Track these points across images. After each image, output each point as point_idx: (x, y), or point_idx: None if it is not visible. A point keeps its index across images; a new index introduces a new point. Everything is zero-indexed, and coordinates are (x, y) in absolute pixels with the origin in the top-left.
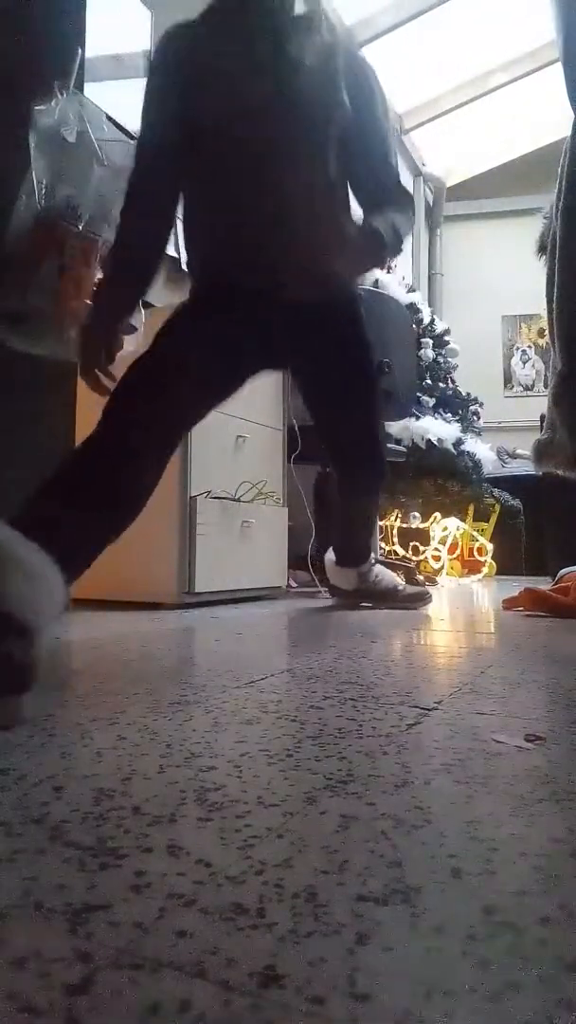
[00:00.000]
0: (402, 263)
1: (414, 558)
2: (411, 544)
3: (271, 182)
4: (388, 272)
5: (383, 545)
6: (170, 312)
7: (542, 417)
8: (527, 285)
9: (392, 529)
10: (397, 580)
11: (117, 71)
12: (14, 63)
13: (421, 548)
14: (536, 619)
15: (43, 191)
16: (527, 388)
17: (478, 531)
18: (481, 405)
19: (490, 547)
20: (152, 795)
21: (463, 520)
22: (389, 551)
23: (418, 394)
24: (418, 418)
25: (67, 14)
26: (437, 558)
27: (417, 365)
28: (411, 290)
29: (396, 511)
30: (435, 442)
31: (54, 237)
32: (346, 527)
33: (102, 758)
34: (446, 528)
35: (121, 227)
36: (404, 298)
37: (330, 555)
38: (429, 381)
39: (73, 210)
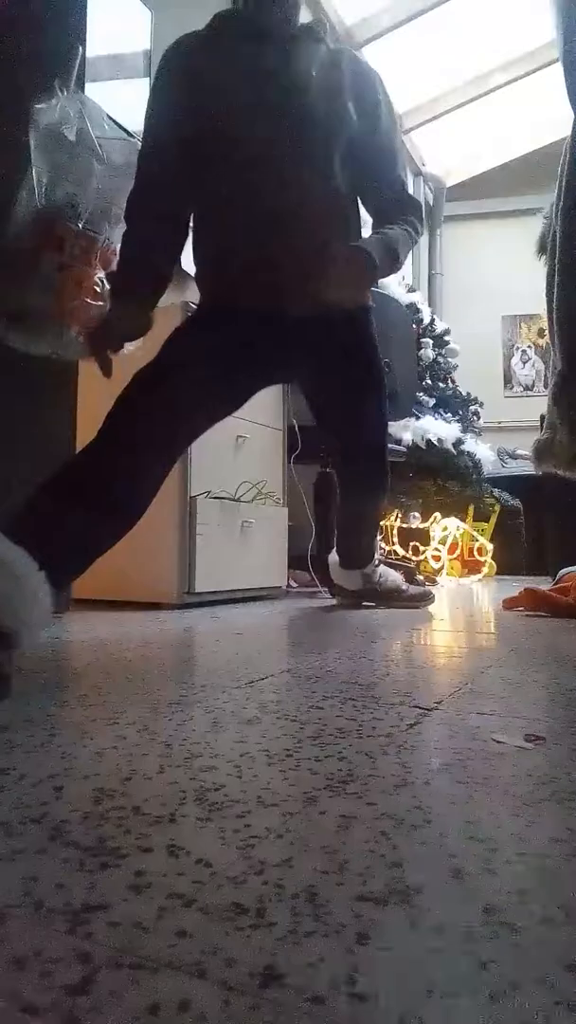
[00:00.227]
0: None
1: (414, 558)
2: (411, 544)
3: (275, 197)
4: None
5: (383, 545)
6: (177, 328)
7: (542, 417)
8: (527, 285)
9: (392, 529)
10: (401, 580)
11: (117, 71)
12: (15, 61)
13: (421, 548)
14: (536, 619)
15: (43, 189)
16: (527, 388)
17: (478, 531)
18: (481, 405)
19: (490, 547)
20: (152, 795)
21: (463, 520)
22: (389, 551)
23: (418, 394)
24: (418, 418)
25: (68, 12)
26: (437, 558)
27: (417, 365)
28: (411, 290)
29: (396, 511)
30: (435, 442)
31: (54, 235)
32: (350, 529)
33: (102, 758)
34: (446, 528)
35: (123, 243)
36: (404, 298)
37: (334, 556)
38: (429, 381)
39: (73, 208)
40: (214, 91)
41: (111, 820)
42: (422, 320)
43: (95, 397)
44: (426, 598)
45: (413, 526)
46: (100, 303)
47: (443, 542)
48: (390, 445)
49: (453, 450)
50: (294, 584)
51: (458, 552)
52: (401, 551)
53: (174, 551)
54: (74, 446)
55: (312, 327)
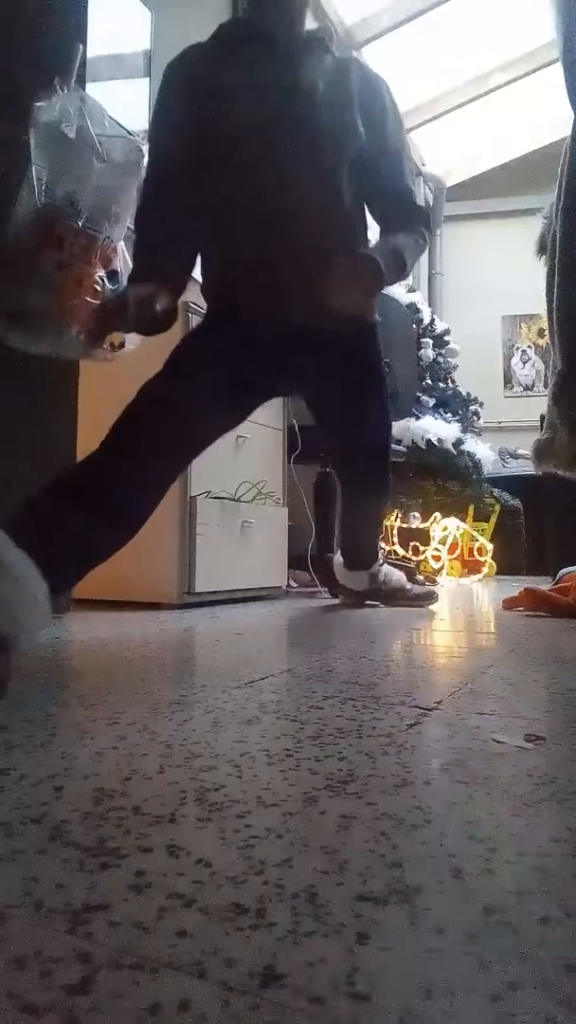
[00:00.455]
0: None
1: (414, 558)
2: (411, 544)
3: (280, 206)
4: None
5: (383, 545)
6: (183, 339)
7: (542, 417)
8: (527, 285)
9: (392, 529)
10: (404, 579)
11: (117, 71)
12: (14, 59)
13: (421, 548)
14: (536, 619)
15: (43, 187)
16: (527, 388)
17: (478, 531)
18: (481, 405)
19: (490, 547)
20: (152, 795)
21: (463, 520)
22: (389, 551)
23: (418, 394)
24: (418, 418)
25: (68, 9)
26: (437, 558)
27: (417, 365)
28: (411, 290)
29: (396, 511)
30: (435, 442)
31: (54, 233)
32: (353, 530)
33: (102, 758)
34: (446, 528)
35: (134, 251)
36: (404, 298)
37: (338, 558)
38: (429, 381)
39: (73, 206)
40: (218, 101)
41: (111, 820)
42: (422, 320)
43: (96, 397)
44: (430, 597)
45: (413, 526)
46: (100, 302)
47: (443, 542)
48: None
49: (453, 450)
50: (294, 584)
51: (458, 552)
52: (401, 551)
53: (174, 551)
54: (74, 446)
55: (316, 341)
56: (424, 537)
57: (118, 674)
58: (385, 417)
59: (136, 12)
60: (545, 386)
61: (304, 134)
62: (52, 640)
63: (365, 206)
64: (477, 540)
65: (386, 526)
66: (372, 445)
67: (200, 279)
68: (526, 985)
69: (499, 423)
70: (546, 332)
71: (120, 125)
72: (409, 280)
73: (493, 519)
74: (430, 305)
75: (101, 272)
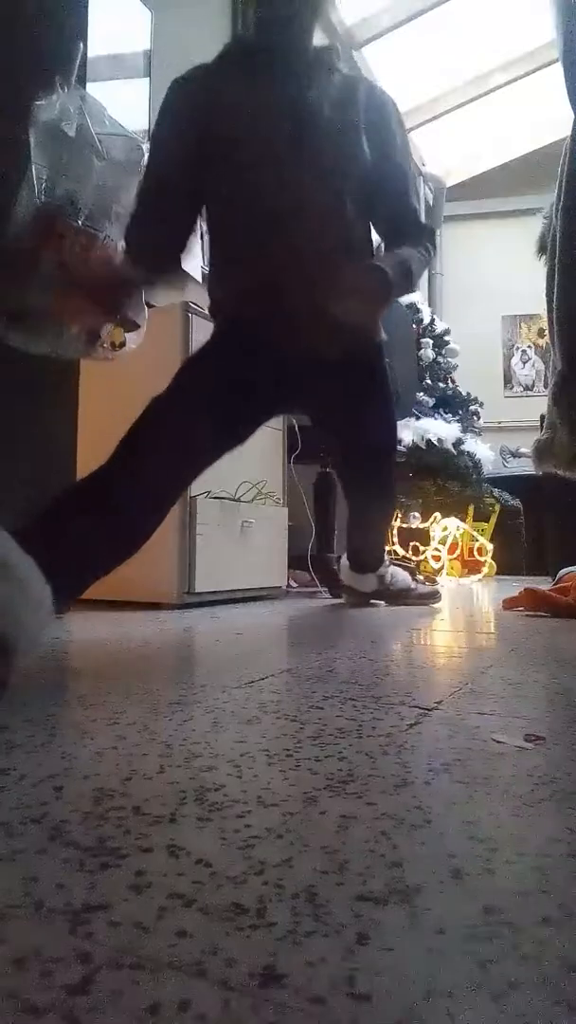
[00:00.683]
0: None
1: (414, 558)
2: (411, 544)
3: (286, 229)
4: None
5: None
6: (194, 352)
7: (542, 417)
8: (527, 285)
9: (392, 529)
10: (410, 579)
11: (117, 71)
12: (15, 58)
13: (421, 548)
14: (536, 619)
15: (43, 186)
16: (527, 388)
17: (478, 531)
18: (481, 405)
19: (490, 547)
20: (152, 795)
21: (463, 520)
22: (389, 551)
23: (418, 394)
24: (418, 418)
25: (68, 8)
26: (437, 558)
27: (417, 365)
28: None
29: (396, 511)
30: (435, 442)
31: (54, 232)
32: (359, 534)
33: (102, 758)
34: (446, 528)
35: (125, 241)
36: (404, 298)
37: (344, 560)
38: (429, 381)
39: (73, 205)
40: (223, 122)
41: (111, 820)
42: (422, 320)
43: (96, 397)
44: (434, 596)
45: (413, 526)
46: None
47: (443, 542)
48: None
49: (453, 450)
50: (294, 584)
51: (458, 552)
52: (401, 551)
53: (174, 551)
54: (74, 446)
55: (324, 361)
56: (424, 537)
57: (118, 674)
58: (389, 420)
59: (136, 12)
60: (545, 386)
61: (309, 155)
62: (52, 640)
63: (371, 225)
64: (477, 540)
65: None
66: (375, 448)
67: (204, 285)
68: (526, 985)
69: (499, 423)
70: (546, 332)
71: (120, 125)
72: None
73: (493, 519)
74: (430, 305)
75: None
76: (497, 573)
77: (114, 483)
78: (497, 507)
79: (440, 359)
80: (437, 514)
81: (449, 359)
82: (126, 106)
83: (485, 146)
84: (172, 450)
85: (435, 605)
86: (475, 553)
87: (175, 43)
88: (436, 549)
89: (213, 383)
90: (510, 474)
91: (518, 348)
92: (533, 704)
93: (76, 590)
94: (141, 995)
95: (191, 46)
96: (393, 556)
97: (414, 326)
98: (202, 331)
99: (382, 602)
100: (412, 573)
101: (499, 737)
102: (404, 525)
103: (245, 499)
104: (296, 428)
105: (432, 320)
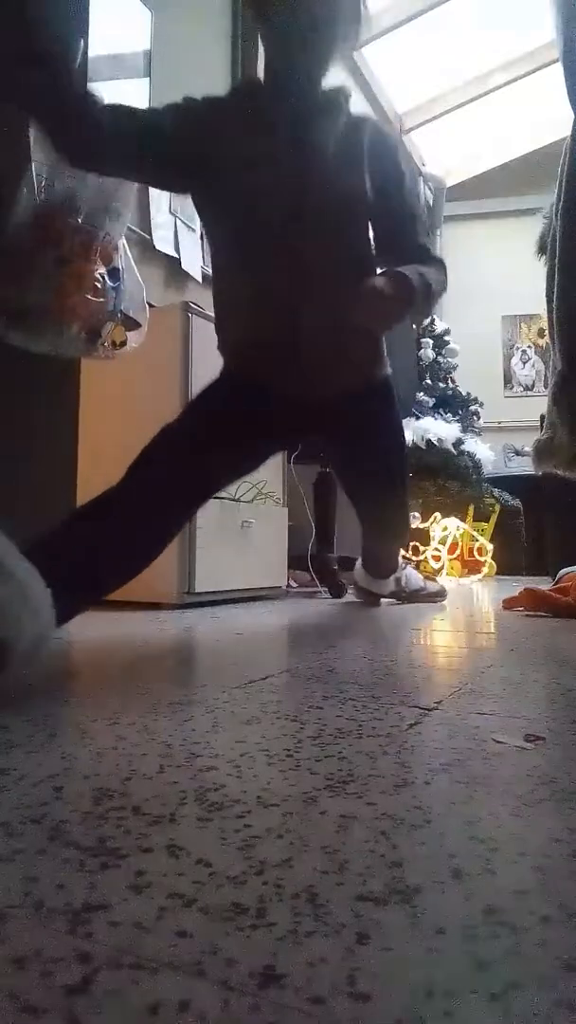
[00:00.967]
0: None
1: (414, 558)
2: (411, 544)
3: (287, 274)
4: None
5: None
6: (205, 385)
7: (542, 417)
8: (527, 285)
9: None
10: (421, 578)
11: (117, 71)
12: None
13: (421, 548)
14: (536, 619)
15: (42, 184)
16: (527, 388)
17: (478, 531)
18: (481, 405)
19: (490, 547)
20: (152, 795)
21: (463, 520)
22: None
23: (418, 394)
24: (418, 418)
25: (69, 5)
26: (437, 558)
27: (417, 365)
28: None
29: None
30: (435, 442)
31: (54, 230)
32: (370, 543)
33: (102, 758)
34: (446, 528)
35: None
36: None
37: (359, 564)
38: (429, 381)
39: (72, 202)
40: (226, 152)
41: (111, 820)
42: (422, 320)
43: (96, 396)
44: (443, 594)
45: (413, 526)
46: (101, 299)
47: (443, 542)
48: None
49: (453, 450)
50: (294, 584)
51: (458, 552)
52: (401, 551)
53: (174, 551)
54: (75, 445)
55: (334, 399)
56: (424, 537)
57: (118, 674)
58: (398, 446)
59: (136, 12)
60: (545, 386)
61: (313, 200)
62: (52, 640)
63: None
64: (477, 540)
65: None
66: (385, 475)
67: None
68: (526, 985)
69: (499, 423)
70: (546, 332)
71: None
72: None
73: (493, 519)
74: None
75: (101, 269)
76: (497, 573)
77: (120, 506)
78: (497, 507)
79: (440, 359)
80: (437, 514)
81: (449, 359)
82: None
83: (485, 146)
84: (177, 481)
85: (443, 602)
86: (475, 553)
87: (175, 43)
88: (436, 549)
89: (224, 417)
90: (510, 474)
91: (518, 348)
92: (533, 704)
93: (76, 604)
94: (141, 995)
95: (191, 46)
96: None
97: (414, 326)
98: (202, 331)
99: (395, 600)
100: None
101: (499, 737)
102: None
103: (245, 499)
104: None
105: (432, 320)
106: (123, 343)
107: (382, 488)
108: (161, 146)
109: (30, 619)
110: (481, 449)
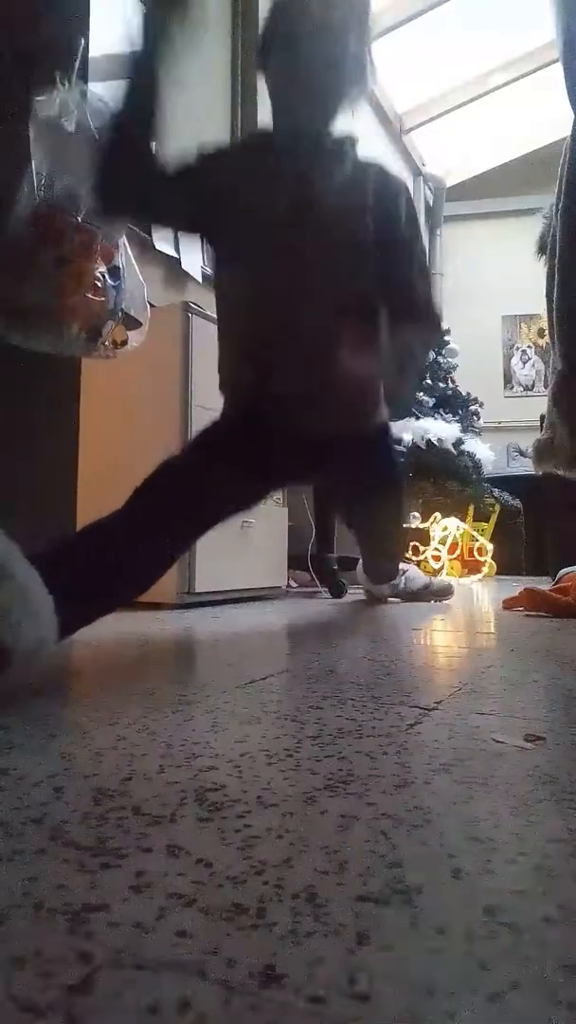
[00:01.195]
0: None
1: (414, 558)
2: (411, 544)
3: (295, 319)
4: None
5: None
6: (209, 424)
7: (542, 417)
8: (527, 285)
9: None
10: (425, 577)
11: (117, 71)
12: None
13: (421, 548)
14: (536, 619)
15: (42, 182)
16: (527, 388)
17: (478, 531)
18: (481, 405)
19: (490, 547)
20: (152, 795)
21: (463, 520)
22: None
23: (418, 394)
24: (418, 418)
25: (69, 3)
26: (437, 558)
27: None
28: None
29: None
30: (435, 442)
31: (54, 228)
32: (368, 551)
33: (102, 758)
34: (446, 528)
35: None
36: None
37: (360, 567)
38: (429, 381)
39: (73, 200)
40: (234, 211)
41: (111, 820)
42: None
43: (96, 396)
44: (447, 592)
45: (413, 526)
46: (101, 298)
47: (443, 542)
48: None
49: (453, 450)
50: (294, 584)
51: (458, 552)
52: None
53: None
54: (76, 445)
55: (333, 441)
56: (424, 537)
57: (118, 674)
58: (395, 480)
59: (136, 12)
60: (545, 386)
61: (315, 246)
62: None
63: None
64: (477, 540)
65: None
66: (388, 546)
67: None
68: (526, 985)
69: (499, 423)
70: (546, 332)
71: None
72: None
73: (493, 519)
74: None
75: (102, 268)
76: (497, 573)
77: (122, 526)
78: (497, 507)
79: (440, 359)
80: (437, 514)
81: (449, 359)
82: None
83: (485, 146)
84: (179, 508)
85: (448, 600)
86: (475, 553)
87: (175, 43)
88: (436, 549)
89: (229, 454)
90: (510, 474)
91: (518, 348)
92: (533, 704)
93: (76, 621)
94: (141, 995)
95: (191, 46)
96: None
97: None
98: (202, 331)
99: (399, 599)
100: None
101: (499, 737)
102: (404, 525)
103: None
104: None
105: None
106: (124, 342)
107: (378, 523)
108: (192, 207)
109: (30, 620)
110: (481, 449)
